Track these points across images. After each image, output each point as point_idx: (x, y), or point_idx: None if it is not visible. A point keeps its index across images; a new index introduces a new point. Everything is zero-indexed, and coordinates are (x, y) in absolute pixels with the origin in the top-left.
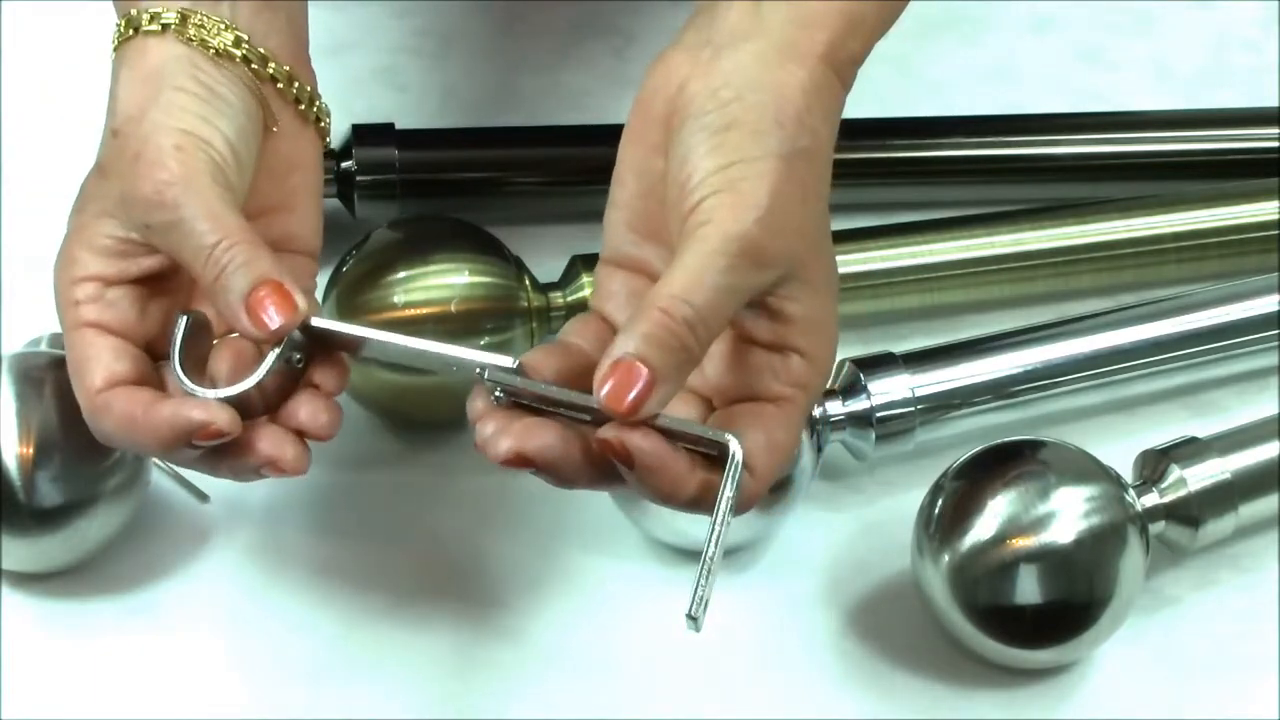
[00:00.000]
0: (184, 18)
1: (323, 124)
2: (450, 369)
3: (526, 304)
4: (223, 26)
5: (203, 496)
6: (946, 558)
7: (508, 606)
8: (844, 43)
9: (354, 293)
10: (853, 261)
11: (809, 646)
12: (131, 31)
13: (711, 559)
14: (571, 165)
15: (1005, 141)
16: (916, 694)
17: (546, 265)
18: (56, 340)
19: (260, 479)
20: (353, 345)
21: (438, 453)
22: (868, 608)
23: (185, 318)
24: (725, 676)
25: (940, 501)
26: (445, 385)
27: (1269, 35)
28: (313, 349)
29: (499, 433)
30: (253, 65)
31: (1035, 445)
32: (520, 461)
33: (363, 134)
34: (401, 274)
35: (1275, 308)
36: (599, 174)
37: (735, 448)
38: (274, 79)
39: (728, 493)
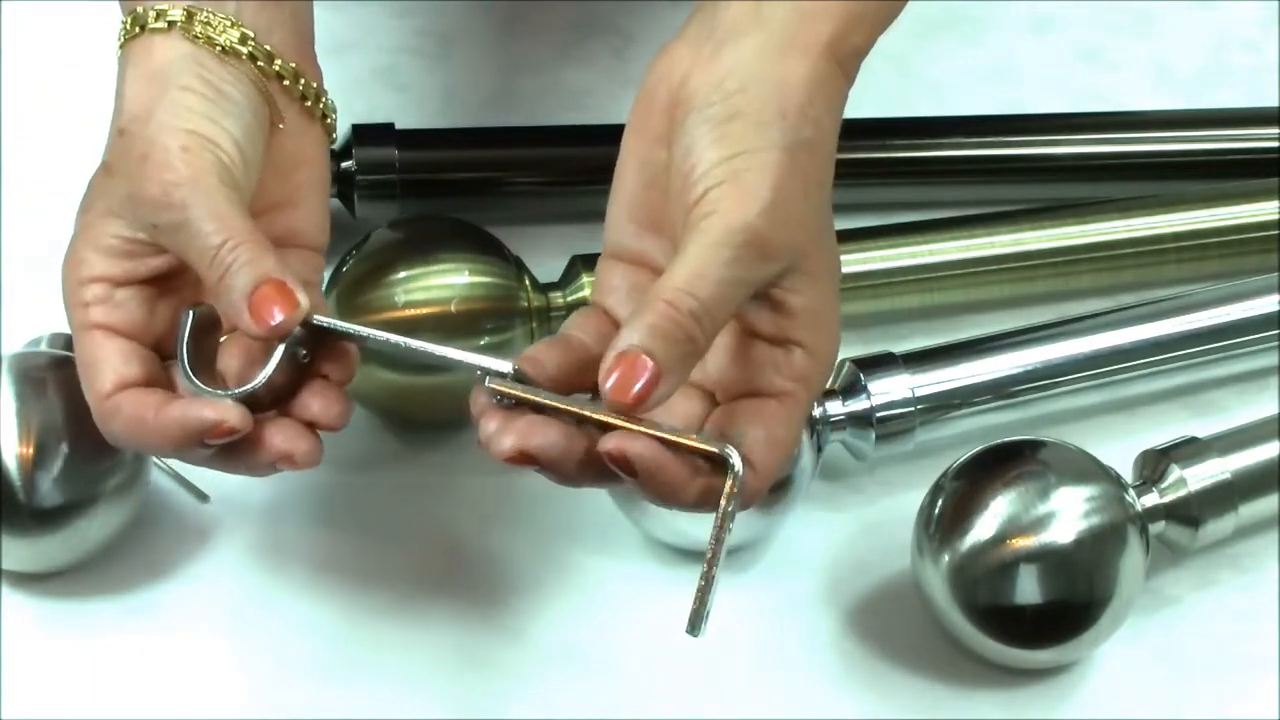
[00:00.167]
0: (190, 15)
1: (329, 120)
2: (452, 366)
3: (526, 304)
4: (228, 24)
5: (203, 496)
6: (946, 558)
7: (508, 606)
8: (846, 36)
9: (354, 293)
10: (853, 261)
11: (809, 646)
12: (137, 29)
13: (713, 572)
14: (571, 165)
15: (1005, 141)
16: (916, 694)
17: (546, 265)
18: (56, 340)
19: (274, 473)
20: (354, 342)
21: (438, 452)
22: (868, 608)
23: (190, 313)
24: (725, 676)
25: (940, 501)
26: (445, 385)
27: (1269, 35)
28: (318, 343)
29: (501, 430)
30: (258, 62)
31: (1035, 445)
32: (523, 459)
33: (363, 134)
34: (401, 274)
35: (1275, 308)
36: (599, 174)
37: (736, 462)
38: (280, 76)
39: (728, 507)
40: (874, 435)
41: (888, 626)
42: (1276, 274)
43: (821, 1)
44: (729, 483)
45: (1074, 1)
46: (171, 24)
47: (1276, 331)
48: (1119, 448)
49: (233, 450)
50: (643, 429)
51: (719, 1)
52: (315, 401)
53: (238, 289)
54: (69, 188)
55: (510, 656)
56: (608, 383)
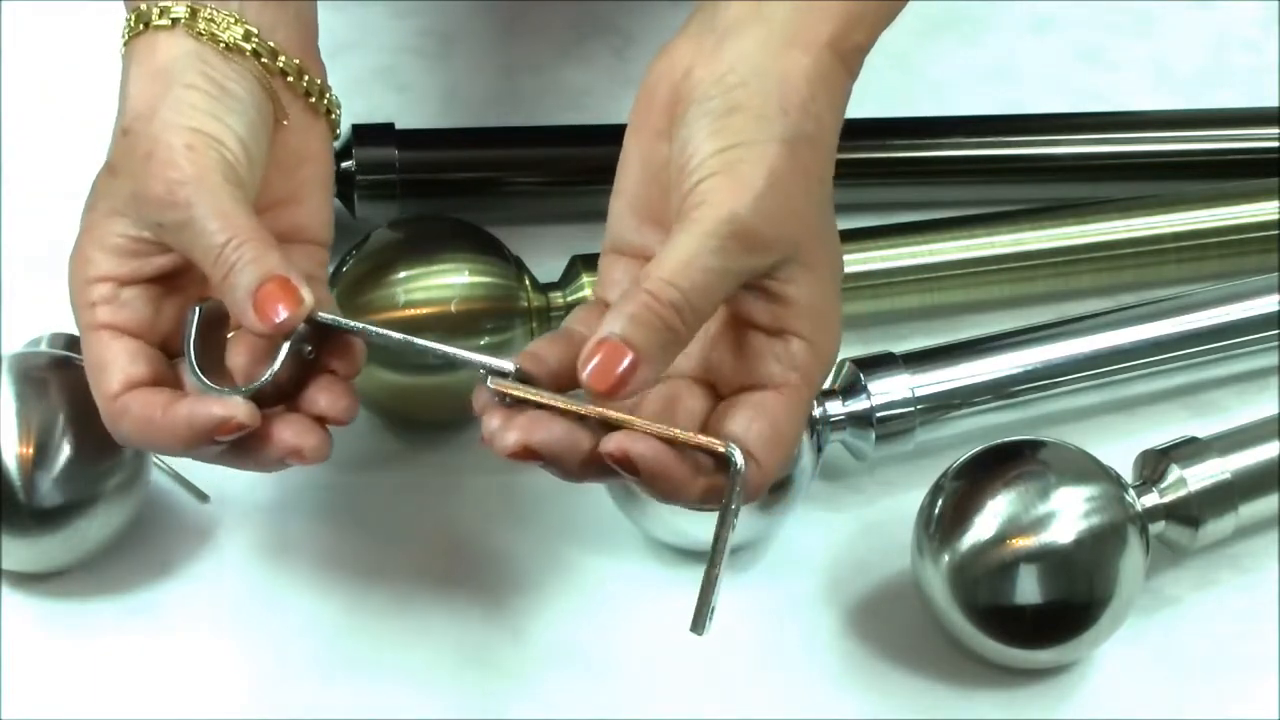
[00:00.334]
0: (194, 12)
1: (333, 116)
2: (454, 364)
3: (526, 304)
4: (232, 20)
5: (203, 496)
6: (946, 558)
7: (508, 606)
8: (848, 32)
9: (354, 293)
10: (853, 261)
11: (809, 646)
12: (141, 26)
13: (717, 571)
14: (571, 165)
15: (1005, 141)
16: (916, 694)
17: (546, 265)
18: (56, 340)
19: (284, 469)
20: (358, 338)
21: (438, 452)
22: (868, 608)
23: (197, 309)
24: (725, 676)
25: (940, 501)
26: (446, 385)
27: (1269, 35)
28: (323, 338)
29: (505, 426)
30: (262, 59)
31: (1035, 445)
32: (527, 455)
33: (363, 134)
34: (401, 274)
35: (1275, 308)
36: (599, 174)
37: (738, 460)
38: (284, 72)
39: (731, 505)
40: (874, 435)
41: (888, 626)
42: (1276, 274)
43: None
44: (731, 481)
45: (1074, 1)
46: (175, 21)
47: (1276, 331)
48: (1119, 448)
49: (242, 447)
50: (645, 426)
51: (719, 1)
52: (322, 396)
53: (242, 287)
54: (69, 188)
55: (510, 656)
56: (586, 369)
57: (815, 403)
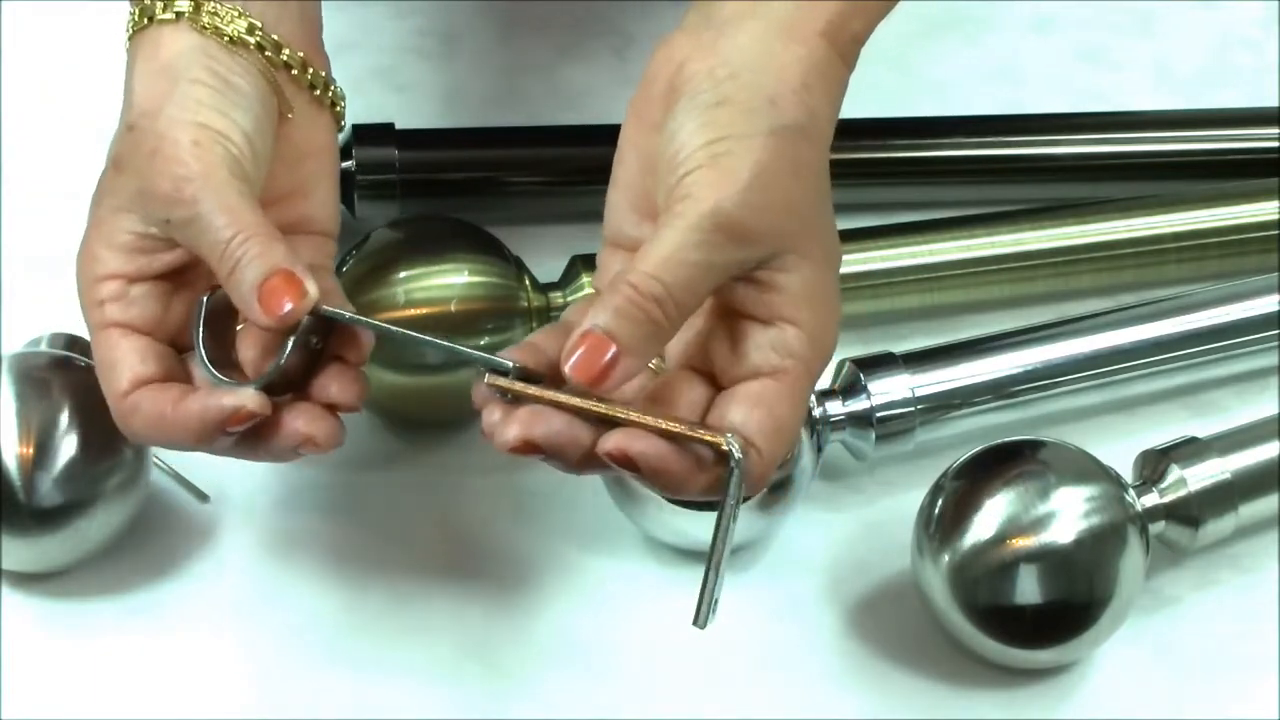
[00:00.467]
0: (198, 5)
1: (338, 108)
2: (455, 360)
3: (526, 304)
4: (236, 14)
5: (203, 496)
6: (946, 558)
7: (508, 606)
8: (845, 22)
9: (354, 293)
10: (853, 261)
11: (809, 646)
12: (145, 21)
13: (718, 564)
14: (571, 165)
15: (1006, 141)
16: (916, 694)
17: (546, 265)
18: (56, 340)
19: (298, 458)
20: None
21: (438, 452)
22: (868, 608)
23: (204, 300)
24: (725, 676)
25: (940, 501)
26: (446, 385)
27: (1270, 35)
28: (330, 329)
29: (505, 420)
30: (266, 52)
31: (1035, 445)
32: (527, 449)
33: (363, 134)
34: (401, 274)
35: (1275, 308)
36: (599, 174)
37: (736, 454)
38: (288, 65)
39: (730, 500)
40: (874, 435)
41: (888, 626)
42: (1276, 274)
43: None
44: (729, 475)
45: (1075, 1)
46: (179, 15)
47: (1276, 331)
48: (1119, 448)
49: (254, 437)
50: (644, 420)
51: None
52: (333, 384)
53: (247, 281)
54: (69, 188)
55: (510, 656)
56: (569, 361)
57: (815, 402)
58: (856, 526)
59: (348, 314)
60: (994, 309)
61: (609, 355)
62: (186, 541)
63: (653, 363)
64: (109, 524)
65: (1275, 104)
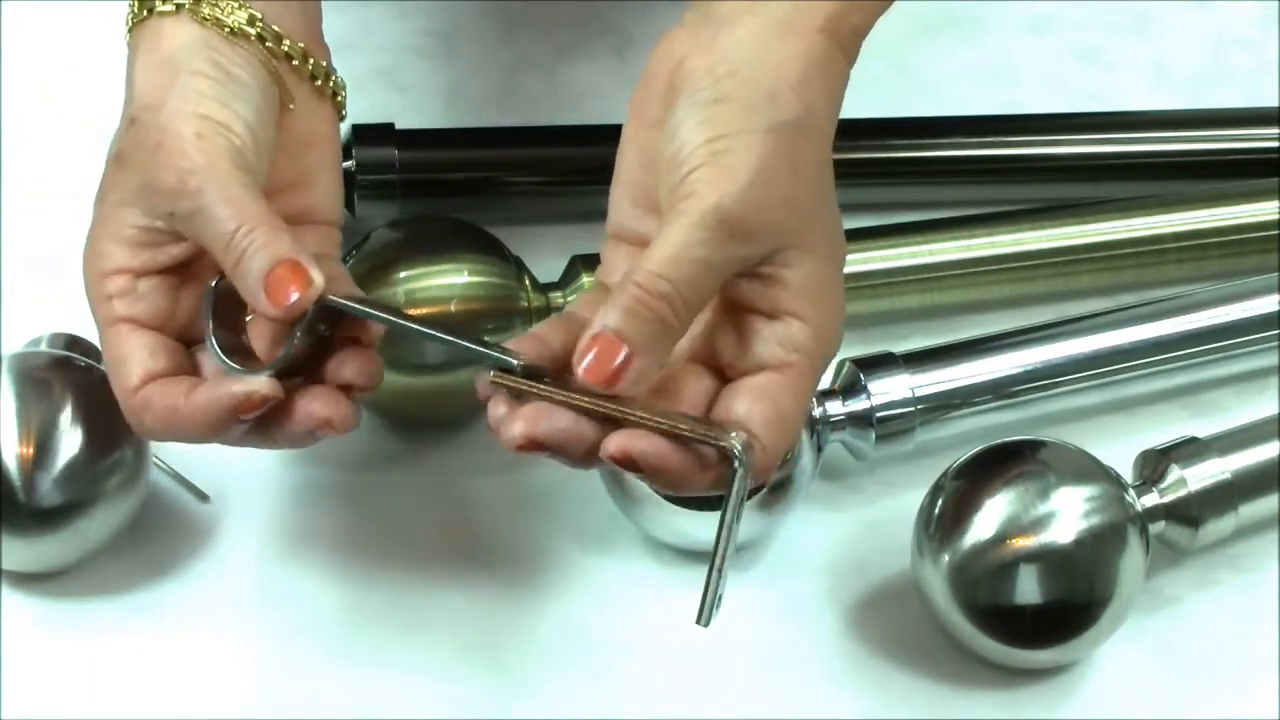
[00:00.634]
0: None
1: (339, 98)
2: (459, 355)
3: (526, 304)
4: (236, 5)
5: (203, 496)
6: (946, 558)
7: (508, 606)
8: (844, 16)
9: None
10: (853, 261)
11: (809, 646)
12: (145, 13)
13: (721, 563)
14: (571, 165)
15: (1005, 141)
16: (916, 694)
17: (546, 265)
18: (56, 340)
19: (313, 443)
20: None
21: (438, 452)
22: (868, 608)
23: (213, 287)
24: (725, 676)
25: (940, 501)
26: (447, 385)
27: (1268, 35)
28: (339, 315)
29: (511, 417)
30: (267, 43)
31: (1035, 445)
32: (532, 446)
33: (363, 134)
34: (401, 274)
35: (1275, 308)
36: (599, 174)
37: (737, 456)
38: (289, 56)
39: (733, 500)
40: (874, 435)
41: (888, 626)
42: (1276, 274)
43: None
44: (731, 477)
45: (1073, 1)
46: (179, 7)
47: (1276, 331)
48: (1119, 448)
49: (269, 423)
50: (647, 418)
51: None
52: (346, 366)
53: (253, 272)
54: (69, 188)
55: (511, 656)
56: (582, 363)
57: (815, 403)
58: (856, 526)
59: (355, 305)
60: (994, 309)
61: (621, 356)
62: (186, 541)
63: None
64: (109, 524)
65: (1273, 104)
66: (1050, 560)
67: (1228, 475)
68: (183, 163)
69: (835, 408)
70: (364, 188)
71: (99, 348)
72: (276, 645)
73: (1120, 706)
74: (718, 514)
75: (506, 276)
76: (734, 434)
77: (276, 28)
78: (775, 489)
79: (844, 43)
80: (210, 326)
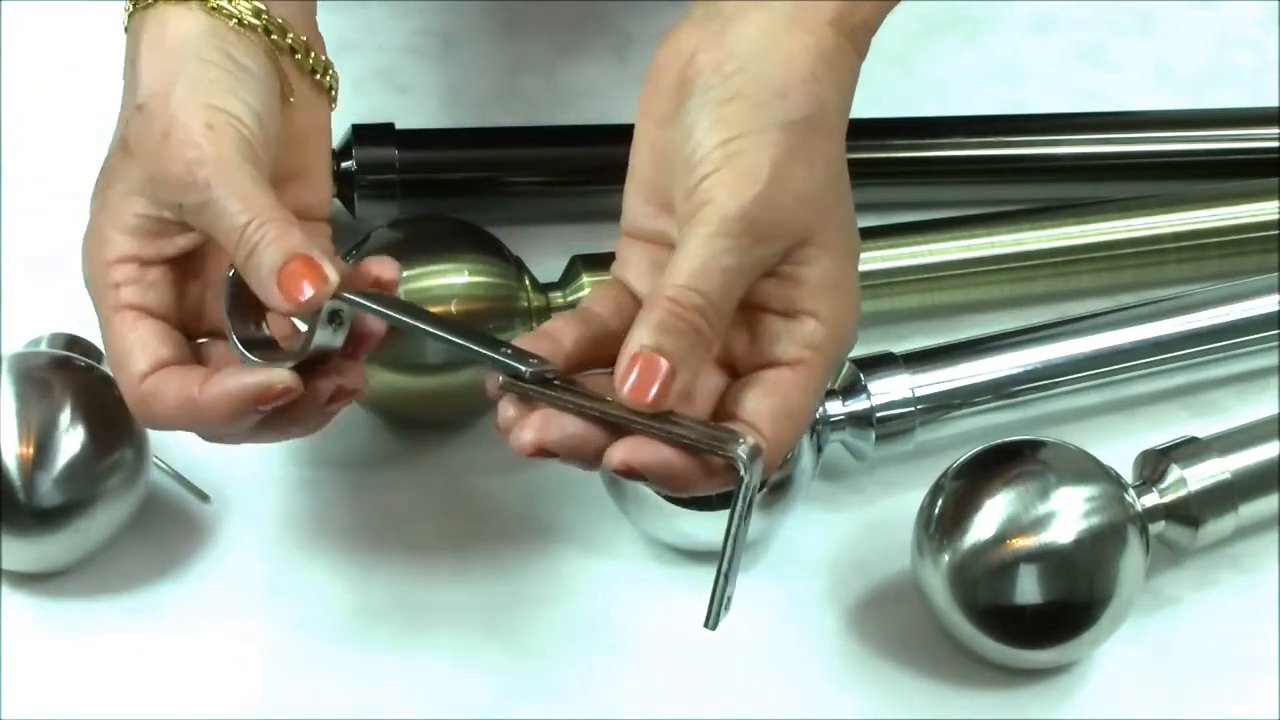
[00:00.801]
0: None
1: (333, 92)
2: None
3: (526, 304)
4: None
5: (203, 496)
6: (946, 558)
7: (508, 606)
8: (853, 10)
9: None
10: None
11: (809, 646)
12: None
13: (728, 568)
14: (571, 165)
15: (1006, 141)
16: (916, 694)
17: (546, 265)
18: (56, 340)
19: (327, 422)
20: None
21: (438, 452)
22: (868, 608)
23: (231, 274)
24: (725, 676)
25: (940, 501)
26: (447, 385)
27: (1270, 35)
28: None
29: (520, 423)
30: (272, 36)
31: (1035, 445)
32: (542, 453)
33: (363, 134)
34: (401, 274)
35: (1275, 308)
36: (599, 174)
37: (742, 466)
38: (292, 50)
39: (739, 508)
40: (874, 435)
41: (888, 626)
42: (1276, 274)
43: None
44: (737, 489)
45: (1075, 1)
46: None
47: (1276, 331)
48: (1119, 448)
49: (282, 414)
50: (653, 425)
51: None
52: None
53: (266, 266)
54: (69, 188)
55: (511, 656)
56: (625, 385)
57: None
58: (856, 526)
59: (368, 303)
60: (994, 309)
61: (663, 373)
62: (186, 541)
63: None
64: (109, 524)
65: (1275, 104)
66: (1050, 560)
67: (1228, 475)
68: (192, 153)
69: (835, 408)
70: (364, 188)
71: (99, 348)
72: (277, 645)
73: (1120, 706)
74: (718, 514)
75: (506, 276)
76: (739, 443)
77: (280, 20)
78: (775, 489)
79: (853, 36)
80: (228, 316)
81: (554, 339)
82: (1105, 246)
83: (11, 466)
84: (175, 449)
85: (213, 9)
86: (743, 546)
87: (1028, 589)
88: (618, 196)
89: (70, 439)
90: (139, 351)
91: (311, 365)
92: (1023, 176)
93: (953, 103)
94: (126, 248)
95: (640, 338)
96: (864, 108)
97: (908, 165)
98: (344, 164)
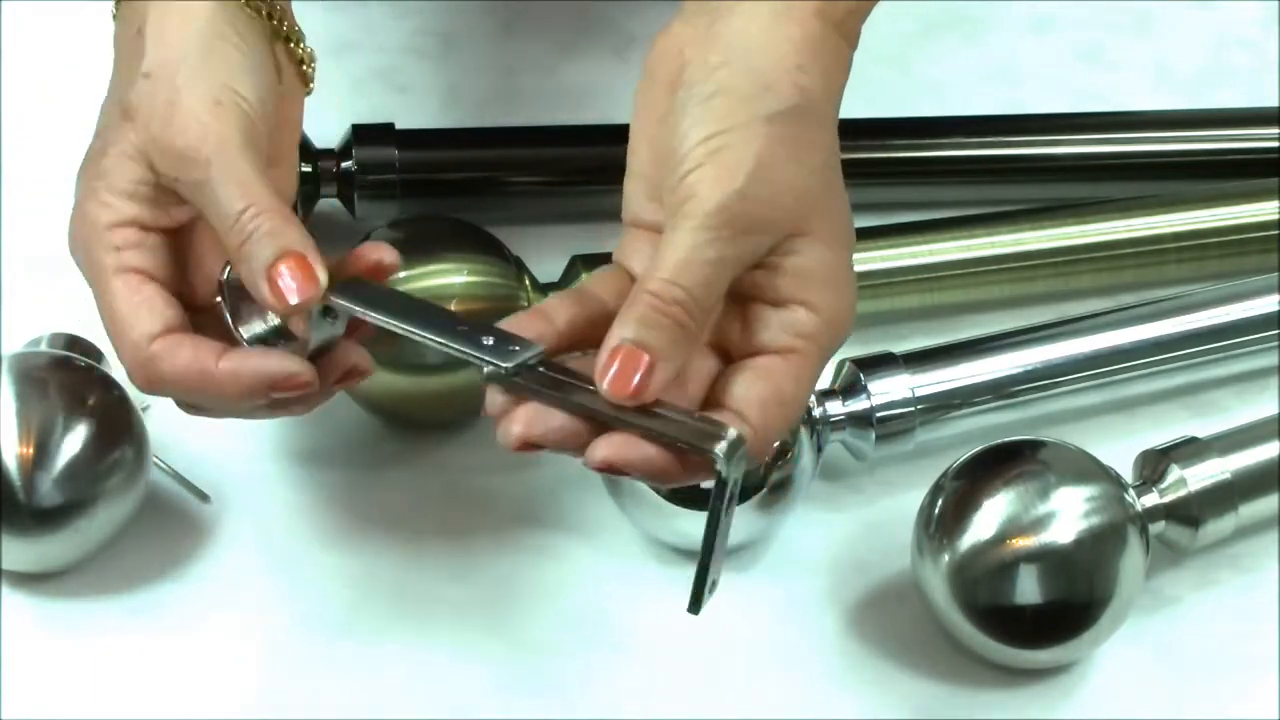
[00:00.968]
0: None
1: (311, 85)
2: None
3: (526, 304)
4: None
5: (203, 496)
6: (946, 558)
7: (507, 606)
8: None
9: None
10: (853, 261)
11: (809, 646)
12: None
13: (708, 560)
14: (571, 165)
15: (1005, 141)
16: (916, 694)
17: (546, 265)
18: (56, 340)
19: (329, 399)
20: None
21: (439, 453)
22: (868, 608)
23: (226, 278)
24: (725, 676)
25: (940, 501)
26: (447, 386)
27: (1269, 35)
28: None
29: (509, 417)
30: (274, 21)
31: (1035, 445)
32: (529, 447)
33: (363, 134)
34: (401, 274)
35: (1275, 308)
36: (599, 174)
37: (721, 463)
38: (287, 39)
39: (720, 505)
40: (874, 435)
41: (888, 626)
42: (1276, 274)
43: None
44: (717, 488)
45: (1074, 1)
46: None
47: (1276, 331)
48: (1119, 448)
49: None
50: (636, 420)
51: None
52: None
53: (259, 258)
54: (69, 188)
55: (510, 655)
56: (605, 378)
57: (815, 402)
58: (856, 526)
59: (354, 307)
60: (994, 309)
61: (644, 367)
62: (187, 542)
63: None
64: (109, 524)
65: (1274, 104)
66: (1050, 560)
67: (1228, 475)
68: (194, 130)
69: (835, 408)
70: (364, 188)
71: (100, 348)
72: (276, 644)
73: (1120, 706)
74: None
75: (506, 276)
76: (720, 444)
77: (280, 6)
78: (775, 489)
79: (841, 25)
80: (227, 306)
81: (547, 317)
82: (1105, 246)
83: (11, 466)
84: (175, 449)
85: None
86: (725, 538)
87: (1028, 589)
88: (618, 196)
89: (70, 439)
90: (147, 313)
91: (317, 351)
92: (1023, 176)
93: (951, 103)
94: (128, 211)
95: (620, 332)
96: (863, 108)
97: (908, 165)
98: (344, 164)
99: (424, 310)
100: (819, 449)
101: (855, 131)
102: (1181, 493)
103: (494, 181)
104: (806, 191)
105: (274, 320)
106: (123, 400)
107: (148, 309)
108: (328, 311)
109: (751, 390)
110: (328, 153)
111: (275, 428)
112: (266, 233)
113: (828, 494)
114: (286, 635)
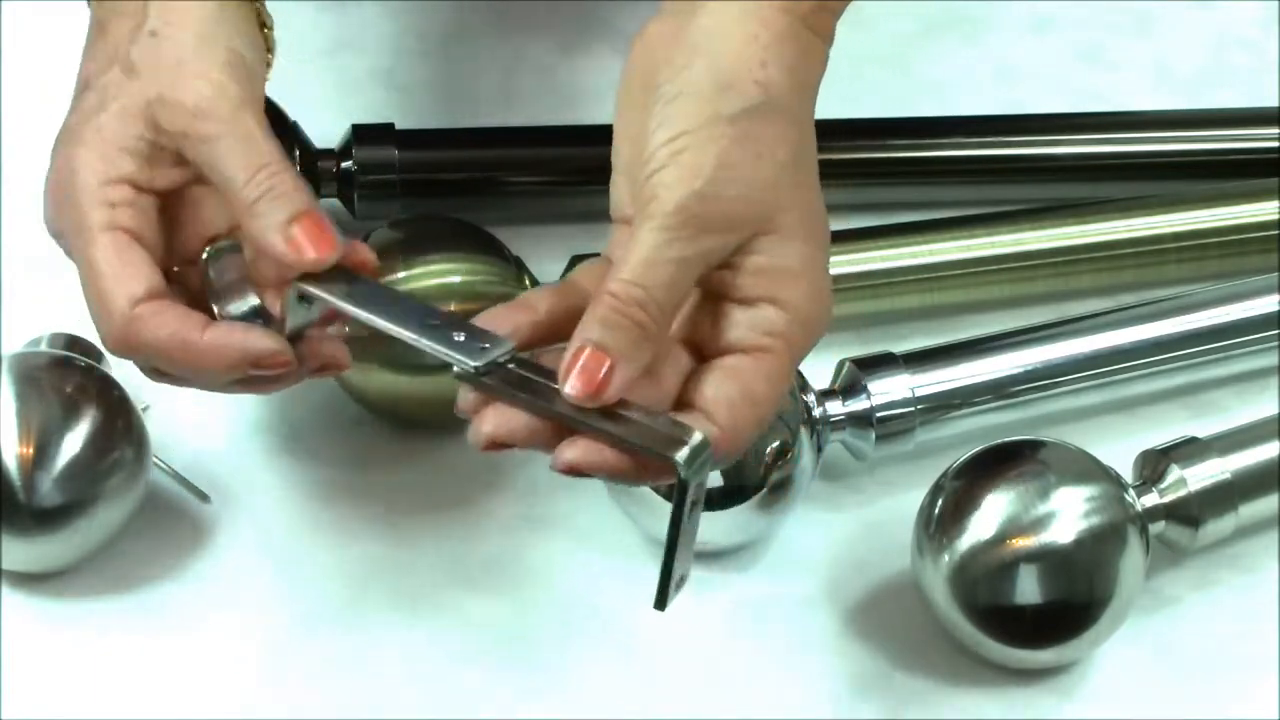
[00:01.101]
0: None
1: (270, 70)
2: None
3: None
4: None
5: (203, 496)
6: (946, 558)
7: (507, 606)
8: None
9: None
10: (853, 261)
11: (809, 646)
12: None
13: (670, 561)
14: (571, 165)
15: (1005, 141)
16: (916, 694)
17: (546, 265)
18: (56, 340)
19: (300, 381)
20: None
21: (438, 453)
22: (868, 608)
23: (210, 254)
24: (725, 676)
25: (940, 501)
26: (447, 386)
27: (1269, 35)
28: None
29: (477, 416)
30: (257, 4)
31: (1035, 445)
32: (497, 446)
33: (363, 134)
34: (401, 274)
35: (1275, 308)
36: (599, 174)
37: (681, 469)
38: (264, 25)
39: (682, 511)
40: (874, 435)
41: (888, 626)
42: (1276, 274)
43: None
44: (678, 493)
45: (1074, 1)
46: None
47: (1276, 331)
48: (1119, 448)
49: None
50: (597, 423)
51: None
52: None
53: (275, 215)
54: None
55: (510, 656)
56: (568, 381)
57: (815, 403)
58: (856, 526)
59: (326, 296)
60: (994, 309)
61: (605, 368)
62: (187, 541)
63: None
64: (109, 524)
65: (1274, 104)
66: (1050, 560)
67: (1228, 475)
68: (206, 87)
69: (835, 408)
70: (364, 188)
71: (100, 348)
72: (276, 644)
73: (1120, 706)
74: (717, 513)
75: (506, 276)
76: (682, 450)
77: None
78: (775, 489)
79: (809, 18)
80: (210, 294)
81: (530, 307)
82: (1105, 246)
83: (11, 466)
84: (175, 449)
85: None
86: (691, 538)
87: (1028, 589)
88: None
89: (70, 439)
90: (134, 274)
91: (292, 335)
92: (1022, 176)
93: (951, 103)
94: (126, 167)
95: (583, 333)
96: (864, 108)
97: (908, 165)
98: (344, 164)
99: (398, 304)
100: (819, 449)
101: (855, 131)
102: (1181, 493)
103: (494, 181)
104: (772, 189)
105: (253, 300)
106: (123, 400)
107: (134, 270)
108: (304, 298)
109: (720, 390)
110: (328, 153)
111: (275, 428)
112: (285, 192)
113: (828, 494)
114: (286, 635)
